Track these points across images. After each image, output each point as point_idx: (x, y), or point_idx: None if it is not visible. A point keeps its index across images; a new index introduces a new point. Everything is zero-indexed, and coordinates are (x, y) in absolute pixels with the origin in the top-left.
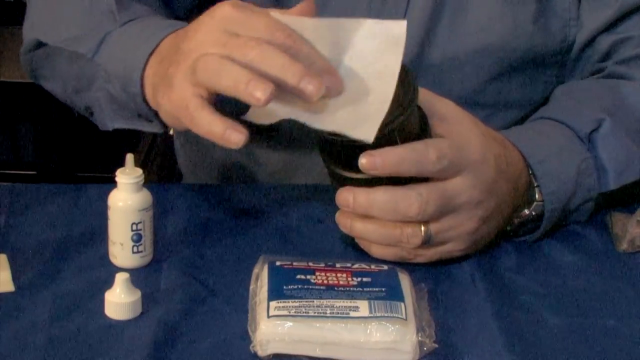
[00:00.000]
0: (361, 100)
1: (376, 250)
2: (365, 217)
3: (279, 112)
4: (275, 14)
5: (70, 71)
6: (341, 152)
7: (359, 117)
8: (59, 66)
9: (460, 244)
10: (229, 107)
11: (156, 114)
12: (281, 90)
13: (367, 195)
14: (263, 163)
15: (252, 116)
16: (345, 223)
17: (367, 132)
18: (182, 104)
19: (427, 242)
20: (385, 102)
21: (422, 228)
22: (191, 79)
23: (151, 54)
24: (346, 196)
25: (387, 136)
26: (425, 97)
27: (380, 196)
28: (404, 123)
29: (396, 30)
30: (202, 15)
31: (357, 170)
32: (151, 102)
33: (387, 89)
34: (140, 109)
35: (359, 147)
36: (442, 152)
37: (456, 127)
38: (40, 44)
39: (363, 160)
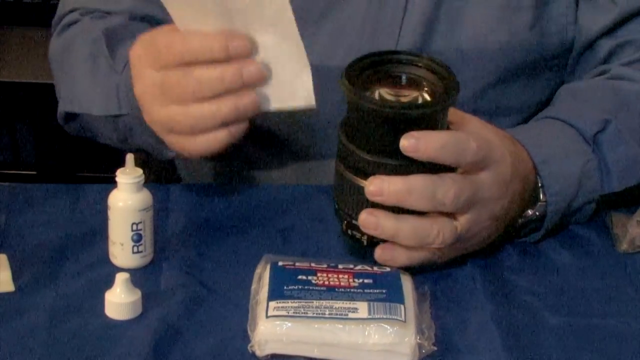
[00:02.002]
0: (280, 70)
1: (401, 256)
2: (394, 215)
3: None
4: None
5: (109, 127)
6: (370, 136)
7: (289, 86)
8: (98, 127)
9: (476, 241)
10: None
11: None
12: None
13: (404, 181)
14: (269, 176)
15: None
16: (373, 222)
17: (305, 98)
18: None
19: (459, 238)
20: (302, 59)
21: (455, 222)
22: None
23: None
24: (379, 183)
25: (429, 118)
26: None
27: (418, 182)
28: (444, 110)
29: None
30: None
31: (387, 155)
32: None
33: (295, 47)
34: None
35: (395, 129)
36: (480, 143)
37: (472, 128)
38: (71, 114)
39: (405, 142)
